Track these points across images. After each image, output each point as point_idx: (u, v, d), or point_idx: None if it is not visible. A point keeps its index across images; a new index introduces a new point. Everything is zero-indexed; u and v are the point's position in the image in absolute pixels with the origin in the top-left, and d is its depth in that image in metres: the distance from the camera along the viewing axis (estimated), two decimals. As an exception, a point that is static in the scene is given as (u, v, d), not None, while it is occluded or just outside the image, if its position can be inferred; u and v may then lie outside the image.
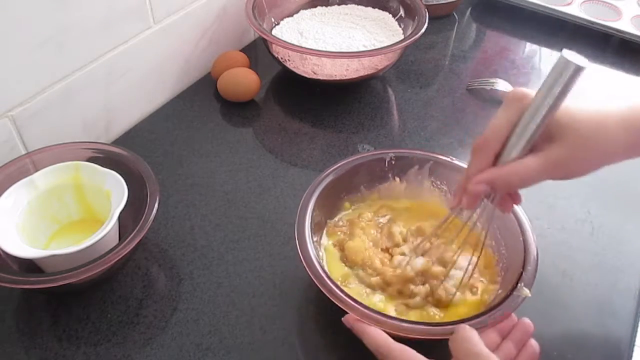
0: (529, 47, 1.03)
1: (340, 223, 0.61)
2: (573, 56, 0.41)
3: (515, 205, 0.55)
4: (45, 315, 0.55)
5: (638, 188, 0.73)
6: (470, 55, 0.99)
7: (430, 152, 0.63)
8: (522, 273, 0.51)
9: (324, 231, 0.61)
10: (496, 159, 0.47)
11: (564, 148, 0.44)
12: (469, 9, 1.13)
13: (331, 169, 0.60)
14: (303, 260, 0.51)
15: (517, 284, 0.50)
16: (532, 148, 0.46)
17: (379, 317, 0.48)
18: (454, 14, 1.10)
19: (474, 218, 0.53)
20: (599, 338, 0.56)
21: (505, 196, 0.50)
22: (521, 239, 0.55)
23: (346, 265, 0.57)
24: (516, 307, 0.48)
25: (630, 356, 0.55)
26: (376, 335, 0.46)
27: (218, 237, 0.63)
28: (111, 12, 0.68)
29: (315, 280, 0.50)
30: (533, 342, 0.48)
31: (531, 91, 0.45)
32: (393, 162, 0.63)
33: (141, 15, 0.73)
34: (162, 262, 0.61)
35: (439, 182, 0.63)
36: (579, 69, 0.41)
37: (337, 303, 0.48)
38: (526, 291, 0.47)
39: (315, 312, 0.56)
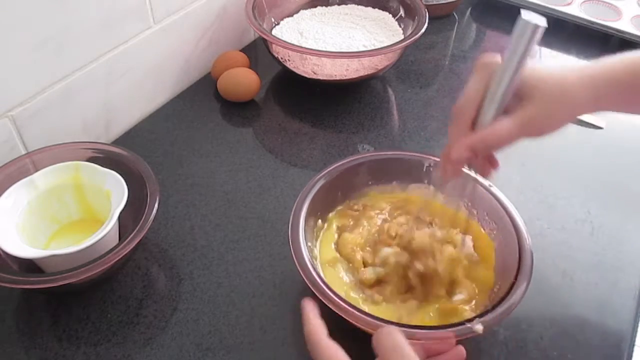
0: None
1: (356, 207, 0.62)
2: (532, 16, 0.43)
3: (506, 205, 0.57)
4: (45, 315, 0.55)
5: (638, 188, 0.73)
6: (470, 55, 0.98)
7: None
8: (516, 276, 0.51)
9: (336, 210, 0.62)
10: (473, 125, 0.49)
11: (535, 106, 0.46)
12: (469, 9, 1.13)
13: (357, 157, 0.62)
14: (297, 264, 0.51)
15: (511, 289, 0.50)
16: (505, 110, 0.47)
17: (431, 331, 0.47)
18: (454, 14, 1.10)
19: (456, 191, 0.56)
20: (599, 338, 0.56)
21: (484, 163, 0.53)
22: (516, 240, 0.55)
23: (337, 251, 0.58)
24: (462, 336, 0.47)
25: (631, 356, 0.55)
26: (309, 324, 0.45)
27: (218, 237, 0.63)
28: (111, 12, 0.68)
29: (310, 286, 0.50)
30: None
31: (497, 56, 0.47)
32: (431, 169, 0.63)
33: (141, 15, 0.73)
34: (162, 262, 0.61)
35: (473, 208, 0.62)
36: (537, 28, 0.43)
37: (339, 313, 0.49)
38: (479, 328, 0.46)
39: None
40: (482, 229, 0.60)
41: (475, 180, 0.59)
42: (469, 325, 0.46)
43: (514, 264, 0.53)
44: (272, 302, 0.57)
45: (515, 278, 0.51)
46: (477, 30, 1.08)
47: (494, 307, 0.48)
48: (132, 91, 0.77)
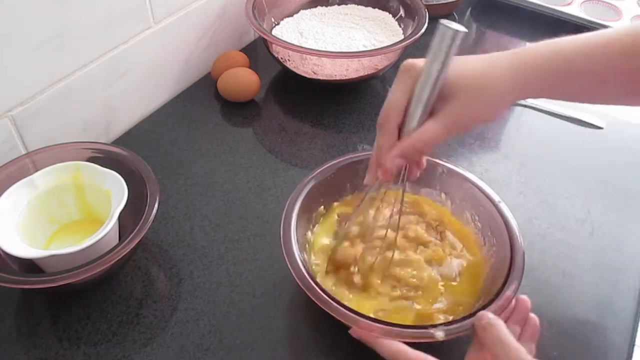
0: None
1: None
2: (451, 24, 0.44)
3: (495, 202, 0.58)
4: (45, 315, 0.55)
5: (638, 188, 0.73)
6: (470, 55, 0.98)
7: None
8: (508, 275, 0.52)
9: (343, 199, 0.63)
10: (400, 131, 0.49)
11: (458, 105, 0.47)
12: (469, 8, 1.13)
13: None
14: (292, 271, 0.52)
15: (504, 284, 0.51)
16: (431, 112, 0.48)
17: (394, 328, 0.48)
18: (454, 13, 1.10)
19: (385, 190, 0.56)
20: (599, 338, 0.56)
21: (411, 165, 0.54)
22: (508, 239, 0.56)
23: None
24: (420, 339, 0.47)
25: (631, 356, 0.55)
26: (392, 345, 0.47)
27: (218, 237, 0.63)
28: (111, 12, 0.68)
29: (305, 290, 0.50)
30: (532, 317, 0.51)
31: (419, 61, 0.48)
32: (444, 175, 0.63)
33: (141, 15, 0.73)
34: (162, 262, 0.61)
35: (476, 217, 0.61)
36: (457, 34, 0.44)
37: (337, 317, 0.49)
38: (440, 335, 0.47)
39: (315, 312, 0.56)
40: (481, 250, 0.59)
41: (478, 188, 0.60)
42: (431, 330, 0.47)
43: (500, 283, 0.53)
44: (272, 302, 0.57)
45: (492, 300, 0.50)
46: (477, 30, 1.08)
47: (463, 318, 0.48)
48: (132, 91, 0.77)
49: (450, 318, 0.53)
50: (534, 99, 0.50)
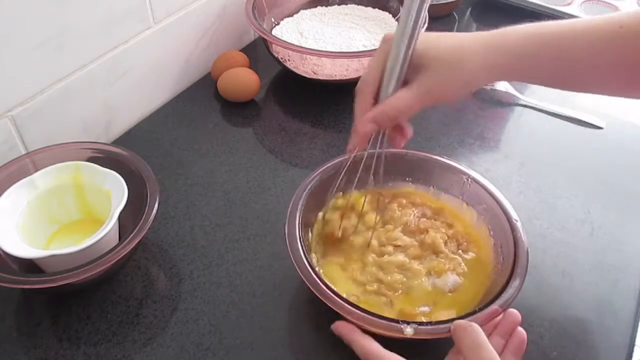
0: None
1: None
2: None
3: (492, 194, 0.59)
4: (46, 315, 0.55)
5: (638, 188, 0.73)
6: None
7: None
8: (512, 272, 0.52)
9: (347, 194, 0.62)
10: (376, 99, 0.51)
11: (431, 76, 0.48)
12: (469, 8, 1.13)
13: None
14: (293, 261, 0.52)
15: (508, 281, 0.51)
16: (405, 81, 0.50)
17: (366, 316, 0.48)
18: (454, 13, 1.10)
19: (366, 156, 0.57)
20: (599, 338, 0.56)
21: (394, 133, 0.54)
22: (512, 237, 0.56)
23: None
24: (388, 331, 0.47)
25: (631, 356, 0.55)
26: (365, 344, 0.47)
27: (218, 237, 0.63)
28: (111, 12, 0.68)
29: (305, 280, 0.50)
30: (519, 331, 0.50)
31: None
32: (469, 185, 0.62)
33: (141, 15, 0.73)
34: (162, 262, 0.61)
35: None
36: (422, 2, 0.46)
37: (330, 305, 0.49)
38: (409, 331, 0.46)
39: (315, 312, 0.56)
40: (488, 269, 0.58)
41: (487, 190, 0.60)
42: (400, 325, 0.47)
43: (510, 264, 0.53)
44: (273, 302, 0.57)
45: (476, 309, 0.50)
46: (477, 30, 1.08)
47: (438, 322, 0.48)
48: (132, 91, 0.77)
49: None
50: (510, 80, 0.51)
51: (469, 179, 0.61)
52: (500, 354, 0.45)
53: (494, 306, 0.49)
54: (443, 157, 0.63)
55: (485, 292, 0.55)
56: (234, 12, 0.89)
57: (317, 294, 0.49)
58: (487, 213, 0.60)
